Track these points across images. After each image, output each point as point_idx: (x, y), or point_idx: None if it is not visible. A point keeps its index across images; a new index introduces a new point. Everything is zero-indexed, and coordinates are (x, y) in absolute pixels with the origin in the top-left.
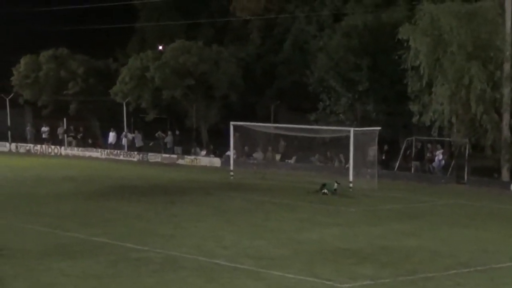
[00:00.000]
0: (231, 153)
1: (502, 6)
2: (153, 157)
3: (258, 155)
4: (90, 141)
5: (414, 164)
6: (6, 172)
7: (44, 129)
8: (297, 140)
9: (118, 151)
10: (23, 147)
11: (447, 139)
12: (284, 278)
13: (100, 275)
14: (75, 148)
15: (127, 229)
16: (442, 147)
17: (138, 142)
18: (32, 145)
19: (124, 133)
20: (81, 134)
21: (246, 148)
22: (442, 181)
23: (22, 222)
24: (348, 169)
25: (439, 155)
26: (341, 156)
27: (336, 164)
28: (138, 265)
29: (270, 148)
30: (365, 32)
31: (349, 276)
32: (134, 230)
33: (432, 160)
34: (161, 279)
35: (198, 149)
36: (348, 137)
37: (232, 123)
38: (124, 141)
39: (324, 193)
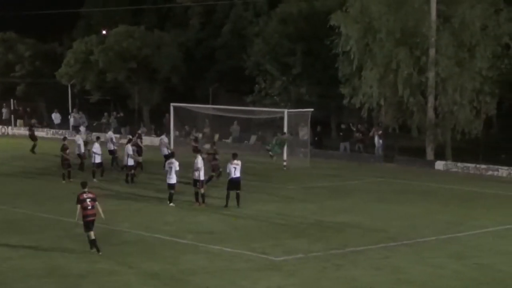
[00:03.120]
0: (171, 132)
1: None
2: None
3: (197, 135)
4: (35, 121)
5: (343, 144)
6: None
7: None
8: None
9: (63, 131)
10: None
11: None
12: (222, 251)
13: (48, 250)
14: (22, 128)
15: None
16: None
17: (82, 122)
18: None
19: (71, 113)
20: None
21: (186, 127)
22: (371, 160)
23: None
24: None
25: (378, 136)
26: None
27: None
28: (84, 240)
29: (208, 129)
30: (300, 18)
31: (283, 250)
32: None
33: (361, 140)
34: (105, 252)
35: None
36: (282, 118)
37: (172, 104)
38: (71, 121)
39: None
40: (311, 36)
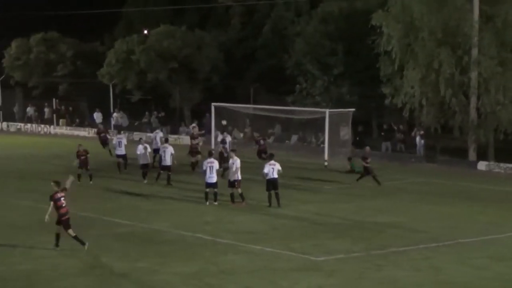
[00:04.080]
0: (212, 132)
1: None
2: (138, 136)
3: (238, 134)
4: (77, 120)
5: (384, 144)
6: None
7: (30, 109)
8: (276, 121)
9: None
10: (14, 126)
11: None
12: (263, 251)
13: (88, 248)
14: (64, 127)
15: (114, 205)
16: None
17: (124, 122)
18: (22, 124)
19: (113, 113)
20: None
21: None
22: (412, 160)
23: (11, 198)
24: (323, 148)
25: (419, 136)
26: (319, 135)
27: (313, 143)
28: (123, 239)
29: (249, 128)
30: (340, 18)
31: (324, 250)
32: (121, 206)
33: (403, 140)
34: (145, 251)
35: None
36: (323, 118)
37: (213, 104)
38: (116, 120)
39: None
40: (352, 35)
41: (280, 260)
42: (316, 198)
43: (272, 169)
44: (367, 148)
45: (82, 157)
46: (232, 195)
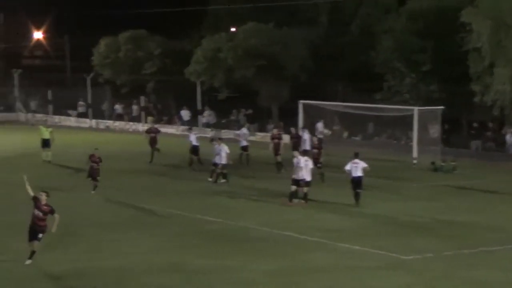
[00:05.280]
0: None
1: None
2: (226, 133)
3: (326, 132)
4: (165, 118)
5: (474, 143)
6: (87, 148)
7: (118, 106)
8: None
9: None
10: (103, 123)
11: None
12: (350, 249)
13: (172, 245)
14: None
15: (200, 202)
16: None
17: (211, 120)
18: (111, 122)
19: (202, 111)
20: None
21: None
22: (503, 159)
23: (99, 196)
24: (412, 146)
25: (510, 135)
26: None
27: (402, 141)
28: (210, 236)
29: (338, 126)
30: (429, 15)
31: (412, 249)
32: (208, 203)
33: (493, 139)
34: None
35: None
36: (412, 116)
37: (301, 101)
38: (205, 118)
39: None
40: (441, 32)
41: (368, 258)
42: (404, 196)
43: (355, 167)
44: None
45: (94, 165)
46: (292, 193)
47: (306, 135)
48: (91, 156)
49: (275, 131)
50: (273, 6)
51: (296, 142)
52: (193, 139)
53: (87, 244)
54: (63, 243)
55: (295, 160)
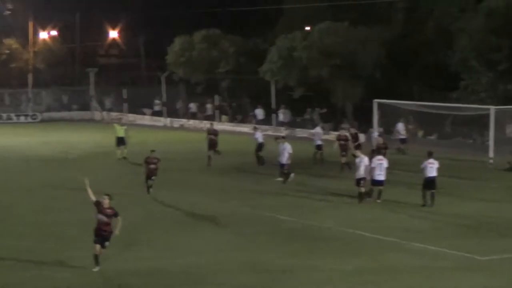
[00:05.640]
0: (375, 128)
1: None
2: (300, 132)
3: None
4: (239, 117)
5: None
6: (161, 146)
7: (192, 105)
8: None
9: (267, 127)
10: (177, 122)
11: None
12: (426, 249)
13: (248, 244)
14: (226, 124)
15: (275, 201)
16: None
17: (286, 118)
18: (185, 120)
19: (278, 110)
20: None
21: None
22: None
23: (174, 194)
24: (488, 145)
25: None
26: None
27: (478, 141)
28: (285, 235)
29: (413, 125)
30: (508, 12)
31: (489, 250)
32: (283, 202)
33: None
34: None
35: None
36: (488, 115)
37: (375, 100)
38: (280, 116)
39: None
40: None
41: (443, 259)
42: (480, 196)
43: (431, 168)
44: None
45: (152, 166)
46: (360, 194)
47: (375, 134)
48: (147, 158)
49: (342, 131)
50: (348, 5)
51: (344, 145)
52: (259, 136)
53: (159, 242)
54: (135, 242)
55: (357, 159)
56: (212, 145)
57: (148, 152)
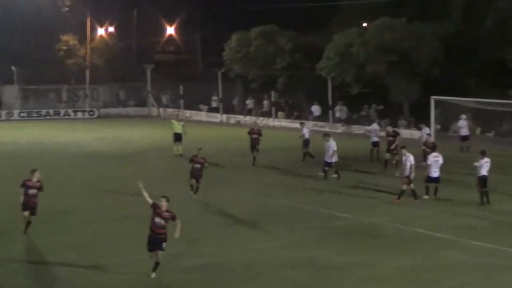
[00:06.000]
0: (432, 125)
1: None
2: (357, 129)
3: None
4: (296, 113)
5: None
6: (218, 142)
7: (249, 101)
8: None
9: (323, 123)
10: (233, 118)
11: None
12: (482, 247)
13: (304, 240)
14: (282, 120)
15: (330, 198)
16: None
17: (343, 115)
18: (241, 117)
19: (335, 107)
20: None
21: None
22: None
23: (232, 191)
24: None
25: None
26: None
27: None
28: (340, 232)
29: (471, 122)
30: None
31: None
32: (337, 199)
33: None
34: (362, 245)
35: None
36: None
37: (433, 97)
38: (336, 113)
39: None
40: None
41: (500, 257)
42: None
43: (487, 165)
44: None
45: (197, 165)
46: (402, 192)
47: (425, 130)
48: (194, 157)
49: (389, 128)
50: (405, 1)
51: (391, 141)
52: (306, 132)
53: (218, 239)
54: (194, 238)
55: (404, 157)
56: (254, 145)
57: (195, 150)
